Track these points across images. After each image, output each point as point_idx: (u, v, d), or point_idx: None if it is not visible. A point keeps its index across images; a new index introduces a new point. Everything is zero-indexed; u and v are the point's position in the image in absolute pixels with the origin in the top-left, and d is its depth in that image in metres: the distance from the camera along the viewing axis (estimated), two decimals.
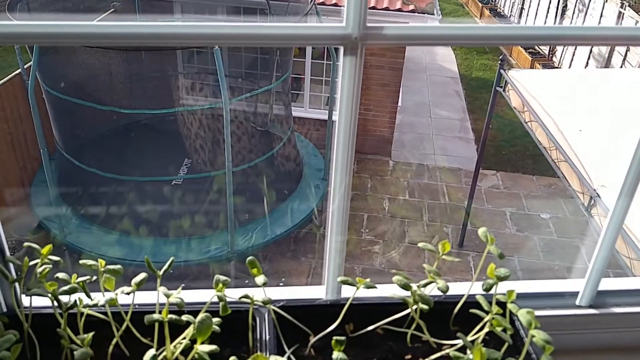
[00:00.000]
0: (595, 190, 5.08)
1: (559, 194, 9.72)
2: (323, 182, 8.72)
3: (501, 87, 7.36)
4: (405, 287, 1.10)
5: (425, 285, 1.13)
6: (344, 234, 1.21)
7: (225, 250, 7.15)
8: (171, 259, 1.22)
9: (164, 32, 0.99)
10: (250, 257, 1.21)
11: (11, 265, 1.29)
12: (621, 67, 12.37)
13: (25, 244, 1.28)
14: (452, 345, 1.17)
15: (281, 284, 7.25)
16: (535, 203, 9.64)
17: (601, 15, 13.39)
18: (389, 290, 1.25)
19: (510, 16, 20.04)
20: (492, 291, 1.15)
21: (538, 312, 1.10)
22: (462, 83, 14.74)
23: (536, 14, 17.47)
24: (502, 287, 1.14)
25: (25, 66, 7.72)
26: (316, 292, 1.33)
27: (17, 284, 1.26)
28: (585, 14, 14.22)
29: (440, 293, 1.15)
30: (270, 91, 8.42)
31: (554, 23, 15.38)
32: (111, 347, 1.19)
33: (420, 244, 1.20)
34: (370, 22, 1.02)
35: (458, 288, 1.25)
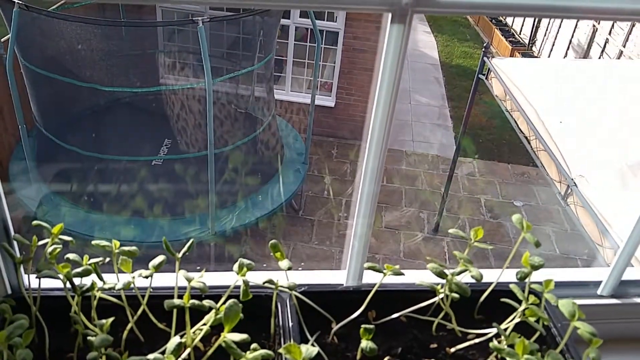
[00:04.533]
0: (572, 179, 5.14)
1: (533, 182, 9.83)
2: (303, 166, 8.67)
3: (484, 74, 7.35)
4: (441, 274, 1.07)
5: (459, 274, 1.10)
6: (371, 218, 1.17)
7: (206, 231, 7.08)
8: (191, 240, 1.17)
9: None
10: (273, 241, 1.17)
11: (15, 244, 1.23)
12: (599, 58, 12.52)
13: (35, 222, 1.22)
14: (478, 335, 1.14)
15: (265, 265, 7.21)
16: (510, 191, 9.74)
17: None
18: (408, 278, 1.22)
19: None
20: (516, 280, 1.12)
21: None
22: (443, 70, 14.77)
23: None
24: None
25: (2, 39, 7.48)
26: (336, 278, 1.29)
27: (23, 265, 1.20)
28: None
29: (473, 281, 1.12)
30: (252, 73, 8.30)
31: None
32: (126, 333, 1.14)
33: (451, 230, 1.17)
34: None
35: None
